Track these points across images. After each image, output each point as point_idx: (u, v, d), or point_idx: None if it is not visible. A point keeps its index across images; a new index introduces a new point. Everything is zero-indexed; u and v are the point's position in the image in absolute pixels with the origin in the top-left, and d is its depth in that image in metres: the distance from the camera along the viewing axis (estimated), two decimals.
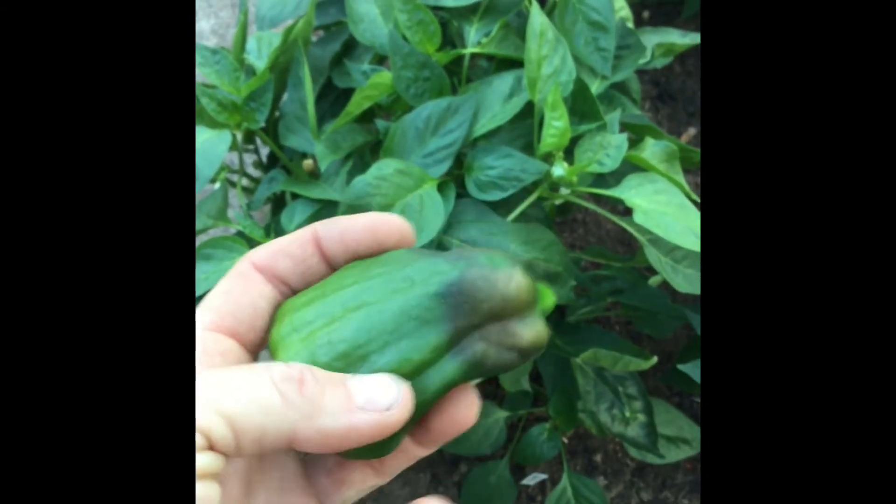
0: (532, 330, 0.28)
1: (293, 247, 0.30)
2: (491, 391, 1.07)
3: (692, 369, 0.71)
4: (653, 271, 1.12)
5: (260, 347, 0.30)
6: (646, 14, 1.31)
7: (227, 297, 0.29)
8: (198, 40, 1.33)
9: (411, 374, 0.27)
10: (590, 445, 1.06)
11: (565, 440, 1.06)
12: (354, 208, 0.59)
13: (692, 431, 0.97)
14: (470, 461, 1.05)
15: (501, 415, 0.98)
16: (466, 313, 0.27)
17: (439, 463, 1.05)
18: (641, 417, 0.89)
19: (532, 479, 1.01)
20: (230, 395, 0.24)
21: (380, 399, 0.26)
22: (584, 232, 1.21)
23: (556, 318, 0.96)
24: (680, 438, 0.98)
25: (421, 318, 0.27)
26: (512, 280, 0.27)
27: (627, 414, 0.89)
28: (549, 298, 0.29)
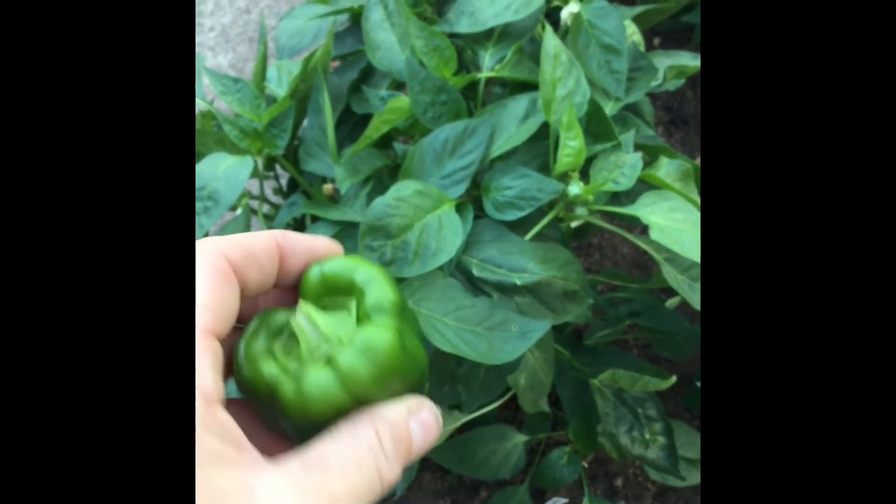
0: None
1: (263, 257, 0.31)
2: (510, 415, 1.07)
3: None
4: (669, 294, 1.12)
5: (227, 345, 0.31)
6: (657, 41, 1.33)
7: (219, 298, 0.29)
8: None
9: None
10: (610, 469, 1.06)
11: (585, 464, 1.06)
12: (375, 229, 0.60)
13: None
14: (490, 486, 1.05)
15: (521, 439, 0.97)
16: None
17: (459, 489, 1.04)
18: (661, 439, 0.89)
19: None
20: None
21: (431, 436, 0.31)
22: (601, 257, 1.22)
23: (574, 340, 0.96)
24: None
25: None
26: None
27: (647, 436, 0.89)
28: None
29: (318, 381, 0.29)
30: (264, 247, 0.31)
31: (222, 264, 0.30)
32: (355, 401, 0.30)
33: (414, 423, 0.30)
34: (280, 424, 0.31)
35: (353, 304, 0.32)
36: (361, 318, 0.32)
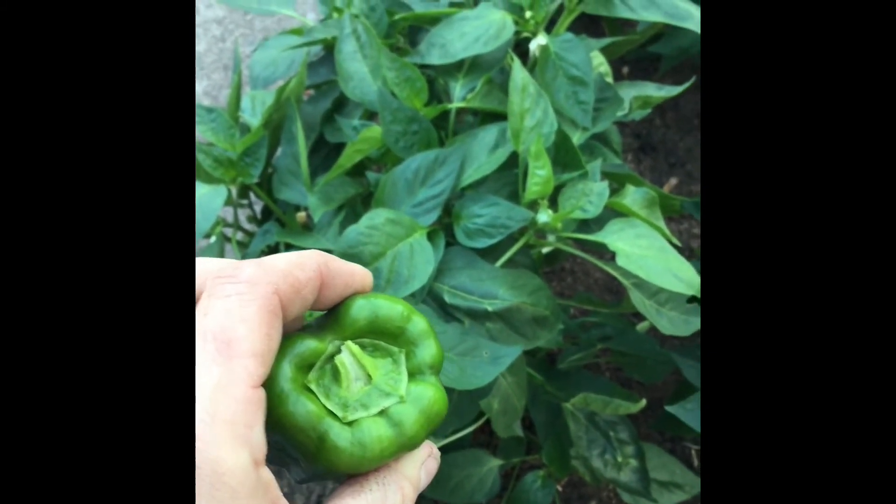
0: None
1: (307, 290, 0.29)
2: (484, 440, 1.07)
3: (680, 410, 0.72)
4: (640, 318, 1.14)
5: None
6: (625, 70, 1.36)
7: (270, 343, 0.27)
8: None
9: None
10: (584, 493, 1.06)
11: (560, 488, 1.06)
12: (347, 257, 0.61)
13: (685, 476, 0.97)
14: None
15: (495, 463, 0.98)
16: None
17: None
18: (633, 462, 0.90)
19: None
20: None
21: (432, 477, 0.32)
22: (573, 281, 1.23)
23: (547, 365, 0.98)
24: (672, 483, 0.98)
25: None
26: None
27: (619, 459, 0.90)
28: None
29: (380, 434, 0.29)
30: (309, 278, 0.29)
31: (275, 305, 0.27)
32: (400, 452, 0.30)
33: (423, 471, 0.31)
34: (296, 460, 0.30)
35: (400, 354, 0.32)
36: (412, 372, 0.32)
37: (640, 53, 1.32)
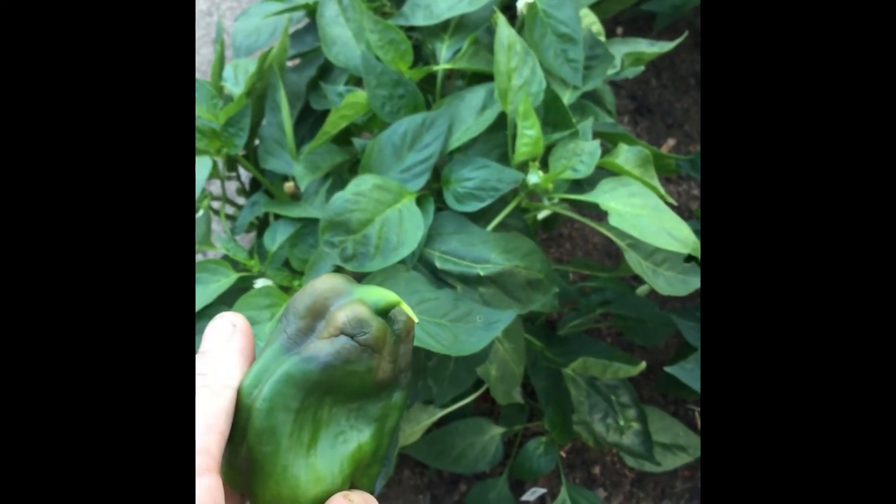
0: (342, 311, 0.29)
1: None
2: (486, 409, 1.07)
3: (679, 370, 0.72)
4: (640, 282, 1.13)
5: None
6: (619, 30, 1.34)
7: (221, 438, 0.29)
8: None
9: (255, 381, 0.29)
10: (588, 458, 1.06)
11: (563, 454, 1.06)
12: (335, 224, 0.60)
13: (688, 438, 0.97)
14: (469, 480, 1.05)
15: (497, 431, 0.98)
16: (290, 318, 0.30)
17: (439, 483, 1.04)
18: (636, 426, 0.89)
19: (532, 495, 1.01)
20: None
21: None
22: (571, 247, 1.22)
23: (546, 331, 0.97)
24: (676, 445, 0.97)
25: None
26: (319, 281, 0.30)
27: (622, 423, 0.89)
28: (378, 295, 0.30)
29: None
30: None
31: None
32: None
33: None
34: None
35: None
36: None
37: (634, 13, 1.30)
